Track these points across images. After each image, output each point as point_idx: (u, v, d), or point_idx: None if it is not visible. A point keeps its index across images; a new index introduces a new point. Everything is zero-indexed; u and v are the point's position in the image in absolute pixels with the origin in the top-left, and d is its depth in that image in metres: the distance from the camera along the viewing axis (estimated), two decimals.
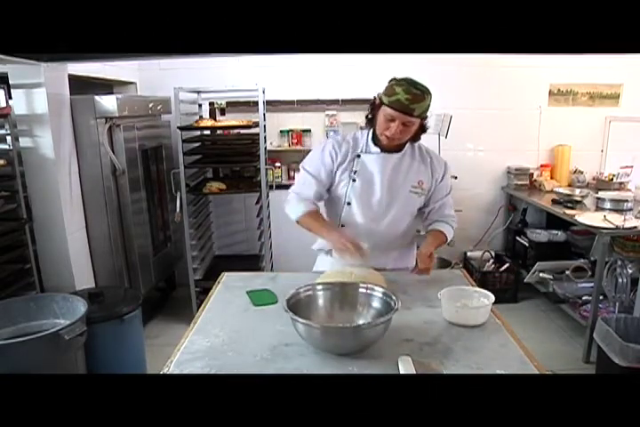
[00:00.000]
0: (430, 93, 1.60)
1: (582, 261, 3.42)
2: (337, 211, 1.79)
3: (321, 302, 1.40)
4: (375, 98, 1.66)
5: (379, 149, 1.72)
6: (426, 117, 1.65)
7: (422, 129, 1.70)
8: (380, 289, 1.38)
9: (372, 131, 1.72)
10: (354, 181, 1.72)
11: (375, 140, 1.73)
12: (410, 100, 1.53)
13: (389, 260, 1.82)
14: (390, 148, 1.71)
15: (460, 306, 1.43)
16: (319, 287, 1.42)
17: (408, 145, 1.74)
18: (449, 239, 1.79)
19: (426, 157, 1.77)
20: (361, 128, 1.80)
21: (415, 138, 1.72)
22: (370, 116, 1.70)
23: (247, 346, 1.30)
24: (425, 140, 1.77)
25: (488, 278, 3.56)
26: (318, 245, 1.86)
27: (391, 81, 1.60)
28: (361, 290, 1.40)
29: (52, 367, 1.96)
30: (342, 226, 1.77)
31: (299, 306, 1.32)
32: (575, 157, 3.83)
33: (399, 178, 1.73)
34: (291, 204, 1.76)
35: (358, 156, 1.73)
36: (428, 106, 1.61)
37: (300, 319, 1.21)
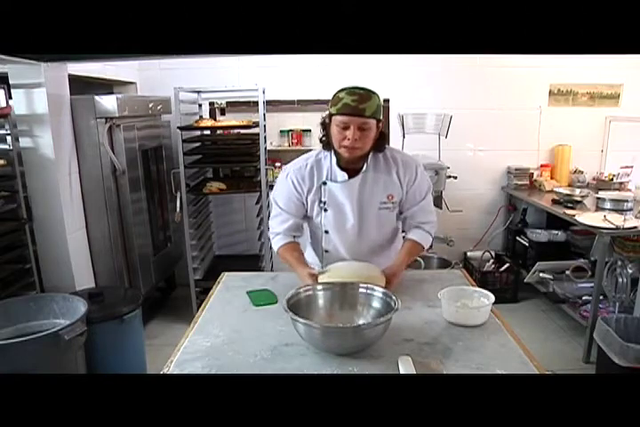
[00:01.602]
0: (377, 94, 1.53)
1: (582, 261, 3.42)
2: (318, 238, 1.78)
3: (321, 302, 1.41)
4: (323, 117, 1.61)
5: (345, 175, 1.64)
6: (381, 121, 1.57)
7: (383, 137, 1.62)
8: (380, 289, 1.38)
9: (334, 154, 1.65)
10: (325, 210, 1.69)
11: (339, 162, 1.65)
12: (357, 101, 1.48)
13: (380, 266, 1.74)
14: (354, 160, 1.61)
15: (460, 306, 1.43)
16: (319, 287, 1.42)
17: (371, 157, 1.64)
18: (425, 247, 1.74)
19: (391, 167, 1.67)
20: None
21: (377, 147, 1.63)
22: (324, 138, 1.63)
23: (247, 346, 1.30)
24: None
25: (488, 278, 3.55)
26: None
27: (335, 93, 1.55)
28: (361, 290, 1.41)
29: (52, 367, 1.96)
30: (326, 251, 1.77)
31: (299, 306, 1.32)
32: (575, 157, 3.83)
33: (366, 198, 1.66)
34: (272, 238, 1.76)
35: (324, 183, 1.66)
36: (378, 106, 1.53)
37: (300, 319, 1.21)
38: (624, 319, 2.48)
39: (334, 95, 1.54)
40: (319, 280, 1.51)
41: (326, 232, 1.74)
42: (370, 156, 1.64)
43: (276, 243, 1.74)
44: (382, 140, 1.63)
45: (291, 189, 1.70)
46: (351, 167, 1.64)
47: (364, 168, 1.64)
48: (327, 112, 1.58)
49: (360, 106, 1.48)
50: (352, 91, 1.50)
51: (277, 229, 1.74)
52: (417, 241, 1.72)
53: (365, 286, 1.41)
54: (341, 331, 1.24)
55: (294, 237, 1.75)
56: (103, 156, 2.77)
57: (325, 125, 1.61)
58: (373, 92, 1.53)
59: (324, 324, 1.31)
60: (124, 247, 2.98)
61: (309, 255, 1.83)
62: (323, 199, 1.68)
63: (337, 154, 1.63)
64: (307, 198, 1.70)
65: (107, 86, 3.44)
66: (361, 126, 1.50)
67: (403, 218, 1.77)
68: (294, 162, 1.74)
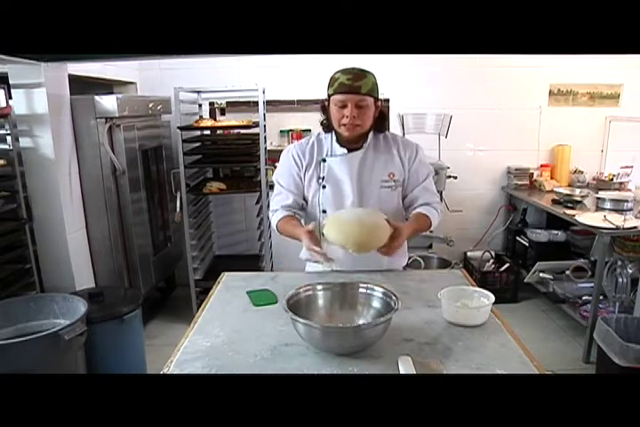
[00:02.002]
0: (372, 74, 1.57)
1: (582, 261, 3.42)
2: (315, 219, 1.73)
3: (321, 302, 1.40)
4: (323, 101, 1.65)
5: (345, 150, 1.67)
6: (378, 99, 1.60)
7: (382, 116, 1.66)
8: (380, 289, 1.38)
9: (334, 134, 1.69)
10: (324, 187, 1.68)
11: (339, 141, 1.68)
12: (352, 79, 1.52)
13: (383, 260, 1.72)
14: (355, 139, 1.65)
15: (460, 306, 1.43)
16: (319, 287, 1.42)
17: (371, 137, 1.68)
18: (433, 224, 1.70)
19: (391, 146, 1.70)
20: None
21: (378, 127, 1.67)
22: (325, 121, 1.67)
23: (247, 346, 1.30)
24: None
25: (488, 278, 3.56)
26: (304, 254, 1.80)
27: (330, 77, 1.60)
28: (361, 290, 1.40)
29: (52, 367, 1.96)
30: (323, 234, 1.69)
31: (298, 306, 1.32)
32: (575, 157, 3.83)
33: (366, 175, 1.67)
34: (271, 215, 1.75)
35: (324, 160, 1.69)
36: (374, 84, 1.57)
37: (299, 319, 1.21)
38: (624, 319, 2.48)
39: (331, 77, 1.59)
40: (323, 231, 1.51)
41: (324, 211, 1.70)
42: (370, 135, 1.67)
43: (275, 218, 1.72)
44: (382, 119, 1.67)
45: (292, 164, 1.71)
46: (351, 146, 1.67)
47: (365, 146, 1.66)
48: (326, 96, 1.62)
49: (355, 83, 1.52)
50: (347, 70, 1.55)
51: (276, 206, 1.73)
52: (423, 213, 1.68)
53: (365, 285, 1.40)
54: (341, 331, 1.24)
55: (294, 213, 1.73)
56: (103, 156, 2.77)
57: (325, 108, 1.64)
58: (368, 72, 1.56)
59: (324, 324, 1.30)
60: (124, 247, 2.98)
61: None
62: (321, 175, 1.68)
63: (337, 134, 1.67)
64: (305, 175, 1.70)
65: (107, 86, 3.44)
66: (358, 104, 1.54)
67: (407, 203, 1.75)
68: (296, 142, 1.78)
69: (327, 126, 1.68)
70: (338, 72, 1.57)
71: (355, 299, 1.40)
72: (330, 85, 1.59)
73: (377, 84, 1.58)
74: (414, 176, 1.72)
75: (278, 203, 1.74)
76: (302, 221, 1.75)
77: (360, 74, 1.54)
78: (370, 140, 1.68)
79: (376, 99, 1.59)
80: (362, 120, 1.57)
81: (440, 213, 1.73)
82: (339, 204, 1.68)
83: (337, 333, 1.23)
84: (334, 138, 1.69)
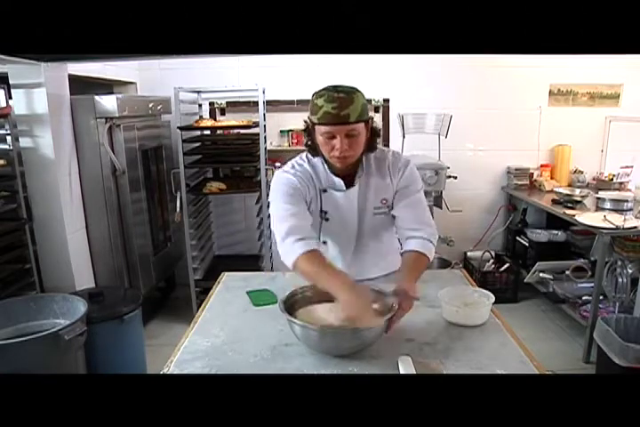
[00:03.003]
0: (359, 92, 1.37)
1: (582, 261, 3.42)
2: None
3: (318, 303, 1.39)
4: (306, 122, 1.45)
5: (342, 182, 1.51)
6: (369, 120, 1.41)
7: (373, 134, 1.46)
8: (378, 289, 1.38)
9: (324, 161, 1.51)
10: (326, 220, 1.56)
11: (333, 170, 1.51)
12: (338, 108, 1.31)
13: (379, 269, 1.70)
14: (347, 167, 1.48)
15: (460, 306, 1.43)
16: (317, 288, 1.42)
17: (364, 161, 1.52)
18: (430, 258, 1.52)
19: (384, 168, 1.53)
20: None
21: (370, 147, 1.48)
22: (310, 143, 1.47)
23: (247, 346, 1.30)
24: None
25: (488, 278, 3.55)
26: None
27: (312, 97, 1.38)
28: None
29: (52, 367, 1.96)
30: None
31: (296, 307, 1.32)
32: (575, 157, 3.83)
33: (362, 205, 1.56)
34: (284, 246, 1.37)
35: (325, 190, 1.53)
36: (364, 106, 1.36)
37: (296, 321, 1.20)
38: (624, 319, 2.48)
39: (311, 101, 1.37)
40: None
41: (324, 243, 1.64)
42: (363, 159, 1.52)
43: (294, 250, 1.34)
44: (374, 138, 1.48)
45: (297, 189, 1.48)
46: (345, 173, 1.52)
47: (359, 175, 1.52)
48: (308, 117, 1.42)
49: (342, 112, 1.31)
50: (331, 96, 1.32)
51: (295, 228, 1.39)
52: (421, 252, 1.49)
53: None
54: (338, 332, 1.22)
55: (316, 244, 1.42)
56: (103, 156, 2.77)
57: (309, 131, 1.45)
58: (354, 92, 1.35)
59: (321, 325, 1.27)
60: (124, 247, 2.98)
61: None
62: (324, 209, 1.55)
63: (327, 162, 1.51)
64: (309, 205, 1.52)
65: (107, 86, 3.44)
66: (348, 133, 1.35)
67: (398, 227, 1.60)
68: (288, 166, 1.56)
69: (313, 150, 1.48)
70: (319, 97, 1.34)
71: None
72: (312, 112, 1.37)
73: (366, 104, 1.38)
74: (402, 191, 1.55)
75: (295, 223, 1.40)
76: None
77: (346, 99, 1.32)
78: (364, 167, 1.53)
79: (366, 121, 1.40)
80: (353, 150, 1.39)
81: (434, 240, 1.54)
82: (339, 235, 1.62)
83: (334, 334, 1.22)
84: (327, 167, 1.52)
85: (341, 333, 1.22)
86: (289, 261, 1.35)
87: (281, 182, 1.51)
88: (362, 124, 1.38)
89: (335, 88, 1.35)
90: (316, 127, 1.39)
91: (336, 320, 1.24)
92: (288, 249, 1.36)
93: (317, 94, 1.36)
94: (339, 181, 1.52)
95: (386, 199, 1.56)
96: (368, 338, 1.22)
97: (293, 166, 1.55)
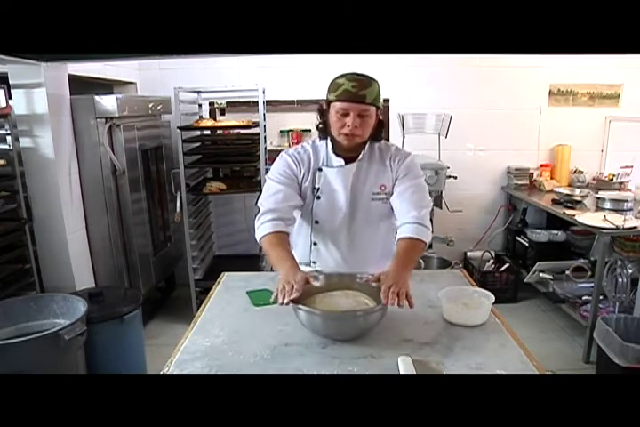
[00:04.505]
0: (377, 81, 1.49)
1: (582, 261, 3.41)
2: (307, 228, 1.71)
3: (320, 291, 1.42)
4: (320, 103, 1.56)
5: (341, 160, 1.60)
6: (380, 108, 1.53)
7: (381, 125, 1.58)
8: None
9: (330, 141, 1.60)
10: (318, 198, 1.63)
11: (335, 150, 1.60)
12: (357, 87, 1.43)
13: (379, 264, 1.63)
14: (352, 149, 1.58)
15: (460, 306, 1.43)
16: (320, 277, 1.45)
17: (367, 146, 1.61)
18: (427, 241, 1.52)
19: (385, 156, 1.62)
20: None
21: (375, 135, 1.59)
22: (321, 125, 1.58)
23: (247, 346, 1.30)
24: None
25: (488, 278, 3.55)
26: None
27: (332, 80, 1.51)
28: (358, 280, 1.45)
29: (52, 367, 1.96)
30: (315, 244, 1.72)
31: (300, 297, 1.33)
32: (575, 157, 3.83)
33: (359, 188, 1.61)
34: (258, 221, 1.56)
35: (320, 169, 1.62)
36: (378, 93, 1.49)
37: (301, 307, 1.26)
38: (624, 319, 2.48)
39: (333, 81, 1.50)
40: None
41: (316, 222, 1.67)
42: (367, 145, 1.61)
43: (262, 229, 1.52)
44: (380, 128, 1.59)
45: (292, 167, 1.61)
46: (347, 155, 1.60)
47: (361, 156, 1.60)
48: (325, 98, 1.53)
49: (360, 92, 1.44)
50: (352, 76, 1.46)
51: (271, 206, 1.55)
52: (413, 237, 1.49)
53: (362, 276, 1.45)
54: (341, 317, 1.29)
55: (285, 225, 1.55)
56: (103, 156, 2.77)
57: (323, 112, 1.56)
58: (373, 79, 1.49)
59: (325, 310, 1.31)
60: (123, 247, 2.98)
61: (297, 247, 1.75)
62: (317, 186, 1.62)
63: (333, 141, 1.59)
64: (302, 182, 1.63)
65: (107, 86, 3.44)
66: (361, 113, 1.47)
67: (394, 207, 1.62)
68: (293, 148, 1.69)
69: (323, 131, 1.59)
70: (341, 77, 1.48)
71: (353, 287, 1.44)
72: (331, 90, 1.49)
73: (380, 92, 1.51)
74: (402, 178, 1.60)
75: (274, 203, 1.56)
76: (292, 229, 1.65)
77: (365, 81, 1.46)
78: (366, 151, 1.62)
79: (378, 107, 1.52)
80: (362, 130, 1.50)
81: (427, 223, 1.54)
82: (332, 215, 1.65)
83: (336, 318, 1.28)
84: (329, 146, 1.61)
85: (343, 317, 1.29)
86: (257, 237, 1.54)
87: (278, 162, 1.66)
88: (374, 109, 1.50)
89: (356, 73, 1.48)
90: (332, 104, 1.49)
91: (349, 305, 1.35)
92: (259, 226, 1.54)
93: (339, 76, 1.49)
94: (338, 160, 1.61)
95: (385, 186, 1.62)
96: (368, 323, 1.29)
97: (296, 148, 1.68)
